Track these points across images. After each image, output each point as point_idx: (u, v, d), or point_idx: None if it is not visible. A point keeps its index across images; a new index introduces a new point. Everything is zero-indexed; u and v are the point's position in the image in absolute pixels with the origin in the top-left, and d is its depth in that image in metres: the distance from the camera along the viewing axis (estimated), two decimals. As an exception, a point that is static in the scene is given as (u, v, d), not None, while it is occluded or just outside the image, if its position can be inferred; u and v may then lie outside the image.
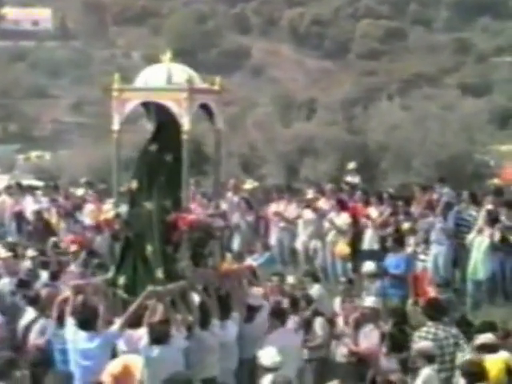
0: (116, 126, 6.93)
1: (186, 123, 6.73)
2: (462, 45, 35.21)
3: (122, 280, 6.78)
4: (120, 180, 7.11)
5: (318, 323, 7.62)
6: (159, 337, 6.16)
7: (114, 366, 5.47)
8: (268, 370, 5.90)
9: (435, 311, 6.86)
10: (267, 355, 5.93)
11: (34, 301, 7.74)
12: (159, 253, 6.71)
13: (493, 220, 9.76)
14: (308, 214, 11.55)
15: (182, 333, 6.35)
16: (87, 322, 6.38)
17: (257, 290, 7.28)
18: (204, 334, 6.54)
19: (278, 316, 6.93)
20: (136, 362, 5.47)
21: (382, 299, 8.34)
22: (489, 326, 6.58)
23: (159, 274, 6.68)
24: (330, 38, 38.92)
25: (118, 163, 7.00)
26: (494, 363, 5.87)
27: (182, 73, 6.92)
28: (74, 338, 6.42)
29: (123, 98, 6.88)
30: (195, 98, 6.80)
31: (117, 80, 6.92)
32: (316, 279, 8.72)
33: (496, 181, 12.38)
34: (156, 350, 6.11)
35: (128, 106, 6.88)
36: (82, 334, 6.38)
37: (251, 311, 6.98)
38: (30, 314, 7.66)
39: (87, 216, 12.40)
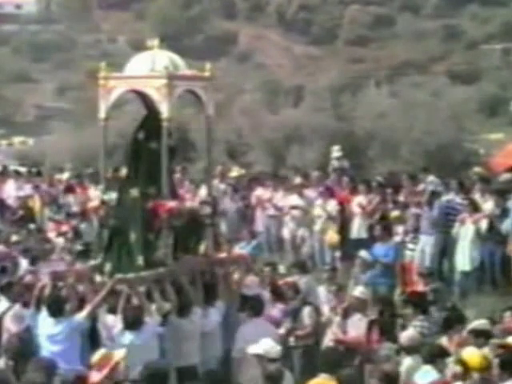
0: (102, 114, 6.98)
1: (164, 110, 6.75)
2: (451, 32, 34.97)
3: (107, 267, 6.83)
4: (105, 166, 7.17)
5: (306, 312, 7.60)
6: (132, 322, 6.22)
7: (94, 355, 5.40)
8: (273, 361, 5.78)
9: (417, 305, 6.84)
10: (269, 345, 5.80)
11: (5, 289, 7.63)
12: (141, 240, 6.75)
13: (474, 208, 9.71)
14: (296, 201, 11.46)
15: (156, 319, 6.39)
16: (54, 307, 6.44)
17: (250, 280, 7.17)
18: (182, 322, 6.54)
19: (253, 307, 6.82)
20: (119, 352, 5.45)
21: (371, 288, 8.33)
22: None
23: (140, 261, 6.71)
24: (317, 23, 38.54)
25: (105, 151, 7.06)
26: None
27: (165, 60, 6.92)
28: (44, 323, 6.50)
29: (109, 87, 6.94)
30: (176, 84, 6.81)
31: (103, 68, 6.95)
32: (305, 270, 8.66)
33: (477, 169, 12.31)
34: (129, 337, 6.18)
35: (113, 94, 6.94)
36: (50, 320, 6.46)
37: (245, 301, 6.90)
38: (2, 304, 7.52)
39: (74, 203, 12.28)
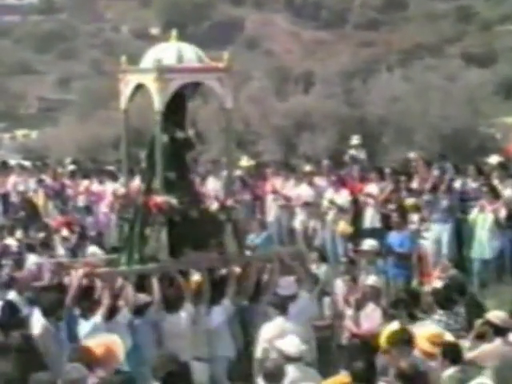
0: (123, 106, 7.04)
1: (156, 103, 6.69)
2: (465, 13, 34.21)
3: (122, 260, 6.92)
4: (109, 158, 7.16)
5: (326, 303, 7.42)
6: (50, 311, 6.23)
7: (94, 348, 5.17)
8: (292, 359, 5.52)
9: (446, 300, 6.56)
10: (291, 344, 5.57)
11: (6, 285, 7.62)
12: (139, 234, 6.81)
13: (495, 195, 9.34)
14: (306, 191, 11.12)
15: (124, 315, 6.38)
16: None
17: (285, 279, 6.82)
18: (168, 317, 6.41)
19: (273, 305, 6.54)
20: (117, 343, 5.24)
21: (384, 278, 8.12)
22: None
23: (136, 255, 6.78)
24: (326, 7, 37.88)
25: (127, 143, 7.09)
26: None
27: (168, 52, 6.85)
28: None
29: (126, 80, 7.06)
30: (171, 77, 6.73)
31: (123, 62, 7.02)
32: (323, 259, 8.47)
33: (495, 158, 11.84)
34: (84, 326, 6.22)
35: (129, 86, 7.03)
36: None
37: (284, 302, 6.59)
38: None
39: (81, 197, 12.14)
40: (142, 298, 6.52)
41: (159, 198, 6.63)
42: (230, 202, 6.93)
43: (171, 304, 6.46)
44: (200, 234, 6.77)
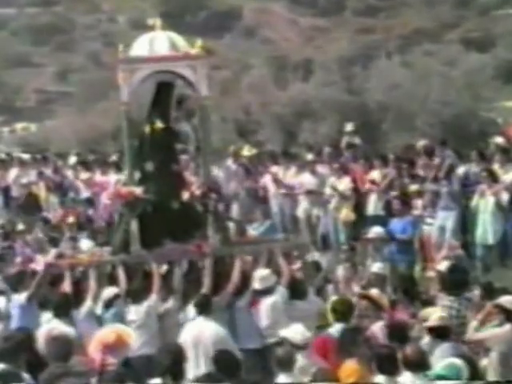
0: (122, 98, 7.03)
1: (123, 94, 6.75)
2: (463, -3, 34.07)
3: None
4: (109, 150, 7.21)
5: (331, 290, 7.41)
6: (60, 311, 6.27)
7: (105, 335, 5.19)
8: (299, 347, 5.45)
9: (455, 286, 6.49)
10: (297, 332, 5.50)
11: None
12: (116, 225, 6.92)
13: (493, 179, 9.36)
14: (309, 179, 11.11)
15: (87, 305, 6.42)
16: (13, 285, 6.97)
17: (259, 273, 6.63)
18: (134, 309, 6.35)
19: (197, 305, 6.29)
20: (128, 331, 5.31)
21: (389, 265, 8.04)
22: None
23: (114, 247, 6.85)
24: (324, -6, 37.66)
25: (130, 134, 7.03)
26: None
27: (141, 42, 6.85)
28: None
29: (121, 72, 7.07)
30: (136, 68, 6.73)
31: (120, 52, 6.99)
32: (326, 246, 8.40)
33: (499, 140, 11.79)
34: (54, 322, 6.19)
35: (120, 77, 7.02)
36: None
37: (256, 296, 6.53)
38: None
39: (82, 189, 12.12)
40: (111, 290, 6.47)
41: (123, 189, 6.63)
42: (198, 192, 6.77)
43: (136, 294, 6.38)
44: (181, 226, 6.63)
